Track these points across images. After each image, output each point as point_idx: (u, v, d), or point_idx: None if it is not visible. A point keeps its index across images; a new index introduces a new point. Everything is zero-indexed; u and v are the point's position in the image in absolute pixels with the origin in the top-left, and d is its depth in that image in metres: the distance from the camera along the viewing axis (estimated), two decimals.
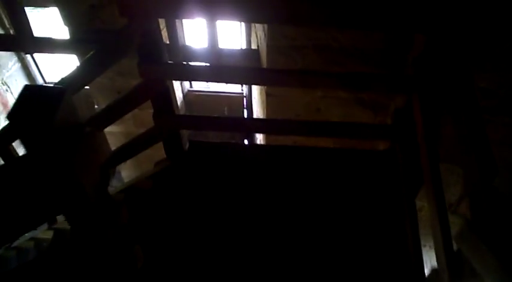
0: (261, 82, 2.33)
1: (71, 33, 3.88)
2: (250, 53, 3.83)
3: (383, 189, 2.68)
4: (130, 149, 2.88)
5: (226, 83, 2.25)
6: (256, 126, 2.57)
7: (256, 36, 3.84)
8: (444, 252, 1.90)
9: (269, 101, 3.41)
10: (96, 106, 5.03)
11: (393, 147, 2.74)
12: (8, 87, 5.24)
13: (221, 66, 2.17)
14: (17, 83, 5.39)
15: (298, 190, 2.69)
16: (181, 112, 5.34)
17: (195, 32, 4.68)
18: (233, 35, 5.42)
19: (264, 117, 3.61)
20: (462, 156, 1.89)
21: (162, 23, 4.05)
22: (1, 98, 5.13)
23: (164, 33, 4.11)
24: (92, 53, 2.25)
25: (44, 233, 4.47)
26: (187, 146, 2.93)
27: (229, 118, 2.58)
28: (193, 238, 2.55)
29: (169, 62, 2.36)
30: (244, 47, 4.51)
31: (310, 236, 2.52)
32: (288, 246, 2.48)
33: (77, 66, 2.30)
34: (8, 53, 5.00)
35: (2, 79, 5.11)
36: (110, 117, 2.62)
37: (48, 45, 3.80)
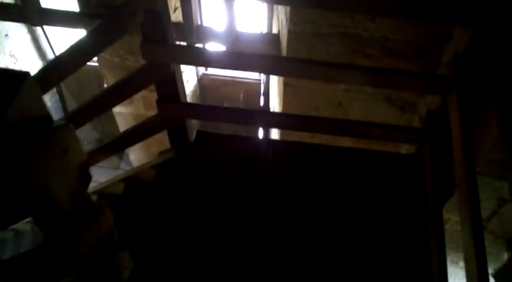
0: (278, 72, 2.08)
1: (81, 6, 3.65)
2: (270, 38, 3.56)
3: (407, 197, 2.42)
4: (132, 136, 2.66)
5: (239, 70, 2.00)
6: (270, 120, 2.32)
7: (278, 20, 3.56)
8: (478, 276, 1.65)
9: (287, 91, 3.16)
10: (105, 85, 4.84)
11: (420, 151, 2.47)
12: (16, 59, 5.05)
13: (234, 53, 1.92)
14: (26, 56, 5.20)
15: (312, 192, 2.45)
16: (195, 96, 5.11)
17: (212, 12, 4.42)
18: (253, 17, 5.14)
19: (281, 108, 3.36)
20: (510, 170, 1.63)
21: (177, 1, 3.80)
22: None
23: (178, 12, 3.87)
24: (90, 29, 2.03)
25: None
26: (194, 136, 2.70)
27: (240, 110, 2.33)
28: (193, 240, 2.34)
29: (178, 43, 2.12)
30: (264, 31, 4.24)
31: (323, 245, 2.28)
32: (298, 255, 2.25)
33: (73, 43, 2.09)
34: (17, 23, 4.79)
35: (10, 51, 4.92)
36: (110, 100, 2.41)
37: (55, 18, 3.58)
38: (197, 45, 3.95)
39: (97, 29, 2.02)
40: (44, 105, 1.01)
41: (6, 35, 4.79)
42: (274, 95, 4.11)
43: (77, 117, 2.54)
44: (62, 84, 5.97)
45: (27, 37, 5.17)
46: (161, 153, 2.87)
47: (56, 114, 6.13)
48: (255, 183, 2.50)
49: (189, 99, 4.93)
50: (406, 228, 2.33)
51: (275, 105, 4.02)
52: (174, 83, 2.21)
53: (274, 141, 2.91)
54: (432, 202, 2.29)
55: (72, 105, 6.24)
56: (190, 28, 3.70)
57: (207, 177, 2.58)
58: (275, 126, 2.47)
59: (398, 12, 1.72)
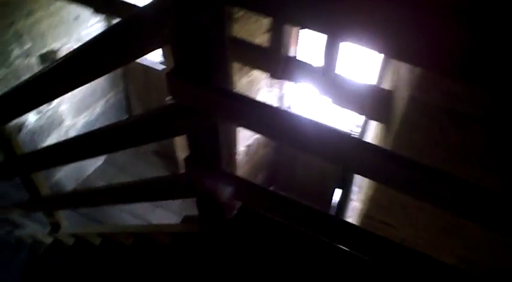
0: (374, 178, 1.23)
1: None
2: (378, 95, 2.66)
3: None
4: (147, 193, 1.91)
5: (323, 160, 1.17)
6: (345, 235, 1.46)
7: (396, 74, 2.66)
8: None
9: (379, 189, 2.25)
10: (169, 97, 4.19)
11: None
12: None
13: (321, 132, 1.08)
14: None
15: None
16: (260, 149, 4.30)
17: (307, 48, 3.64)
18: (360, 60, 4.27)
19: (367, 195, 2.47)
20: None
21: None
22: None
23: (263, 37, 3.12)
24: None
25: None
26: (234, 213, 1.88)
27: (307, 208, 1.47)
28: None
29: (224, 88, 1.29)
30: (372, 82, 3.35)
31: None
32: None
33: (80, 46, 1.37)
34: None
35: (78, 35, 4.42)
36: (113, 146, 1.66)
37: (119, 7, 2.96)
38: (286, 81, 3.17)
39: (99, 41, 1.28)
40: None
41: (76, 19, 4.29)
42: (362, 181, 3.19)
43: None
44: (130, 83, 5.48)
45: (100, 25, 4.68)
46: (186, 219, 2.09)
47: (118, 113, 5.65)
48: None
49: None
50: None
51: (360, 184, 3.11)
52: (215, 141, 1.41)
53: (344, 251, 2.00)
54: None
55: (135, 108, 5.72)
56: (278, 57, 2.91)
57: (235, 272, 1.77)
58: (357, 251, 1.58)
59: None
